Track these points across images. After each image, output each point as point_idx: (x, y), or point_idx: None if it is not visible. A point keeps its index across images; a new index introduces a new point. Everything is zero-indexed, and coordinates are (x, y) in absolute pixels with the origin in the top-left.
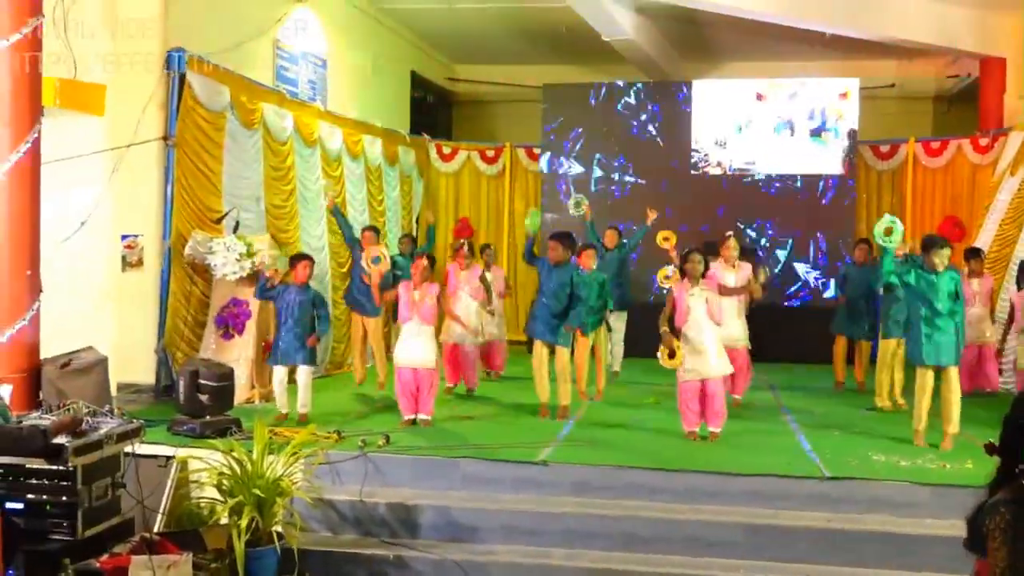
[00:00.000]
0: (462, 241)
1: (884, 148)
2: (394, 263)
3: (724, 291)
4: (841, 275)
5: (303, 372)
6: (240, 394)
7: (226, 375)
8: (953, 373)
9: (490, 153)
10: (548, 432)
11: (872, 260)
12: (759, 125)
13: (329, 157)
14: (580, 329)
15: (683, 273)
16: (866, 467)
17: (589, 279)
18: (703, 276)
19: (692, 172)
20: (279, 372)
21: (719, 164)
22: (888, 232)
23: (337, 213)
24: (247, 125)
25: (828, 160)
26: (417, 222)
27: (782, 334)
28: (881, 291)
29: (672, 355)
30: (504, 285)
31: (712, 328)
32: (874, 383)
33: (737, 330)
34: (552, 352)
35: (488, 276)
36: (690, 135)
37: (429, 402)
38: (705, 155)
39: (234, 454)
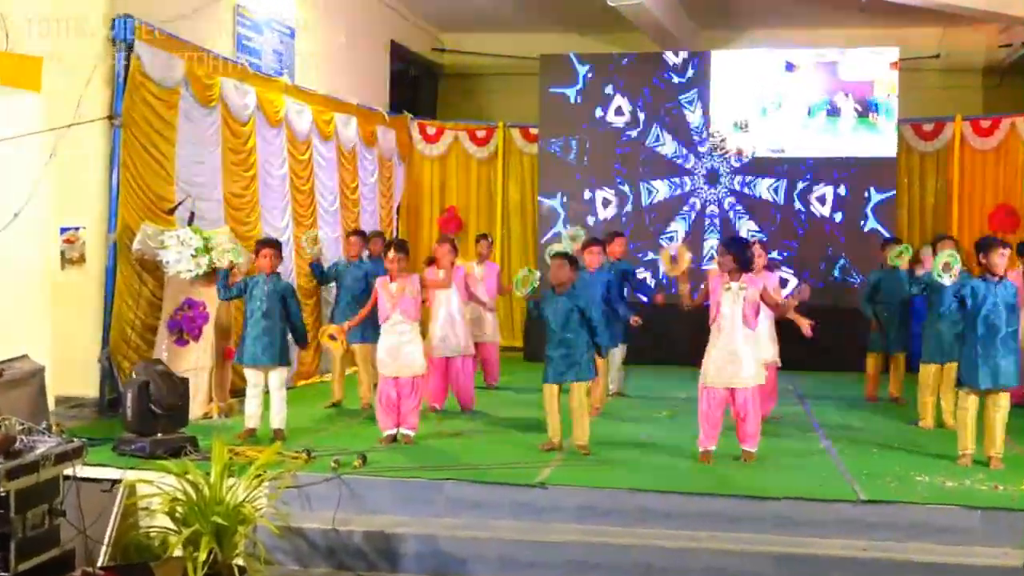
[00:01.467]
0: (447, 238)
1: (927, 127)
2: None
3: (766, 297)
4: (869, 282)
5: (275, 377)
6: (196, 409)
7: (180, 387)
8: (1005, 394)
9: (481, 133)
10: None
11: (910, 263)
12: (790, 104)
13: (296, 139)
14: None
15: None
16: (908, 489)
17: (596, 278)
18: (743, 272)
19: (711, 157)
20: (252, 376)
21: (739, 152)
22: (946, 267)
23: None
24: (204, 102)
25: (876, 145)
26: (397, 213)
27: (811, 341)
28: (925, 298)
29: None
30: (498, 283)
31: (746, 332)
32: (912, 394)
33: (767, 343)
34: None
35: (478, 272)
36: (708, 115)
37: (413, 415)
38: (722, 139)
39: (189, 477)
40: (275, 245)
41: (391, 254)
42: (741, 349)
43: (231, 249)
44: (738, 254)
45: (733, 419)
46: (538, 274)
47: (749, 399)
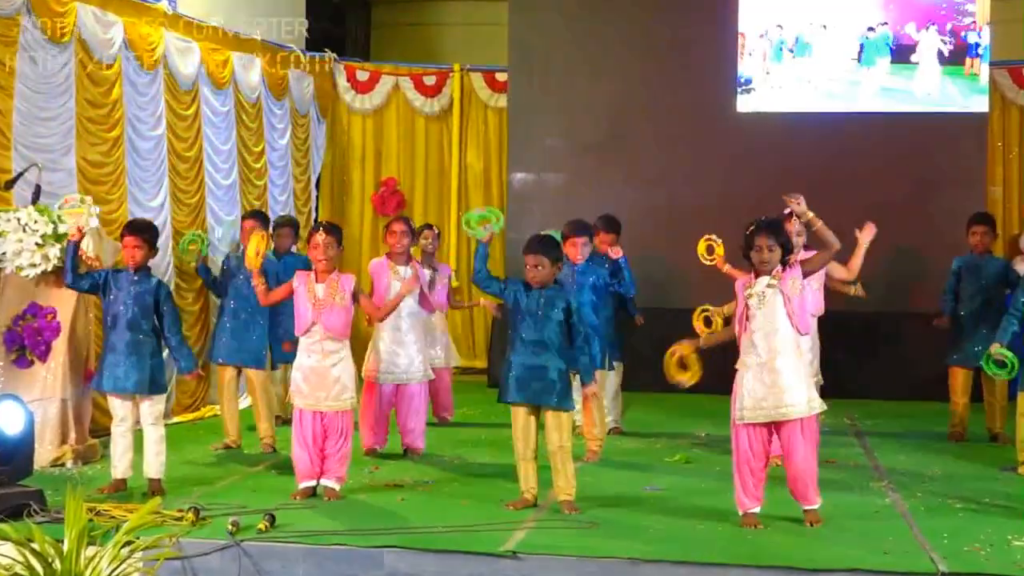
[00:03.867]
0: (398, 217)
1: None
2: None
3: (806, 266)
4: (952, 273)
5: (149, 409)
6: (44, 453)
7: (22, 424)
8: None
9: (429, 80)
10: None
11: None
12: (831, 41)
13: (178, 87)
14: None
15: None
16: (1003, 558)
17: (582, 276)
18: (784, 265)
19: (739, 110)
20: (119, 408)
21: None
22: None
23: None
24: (53, 37)
25: (959, 95)
26: (317, 187)
27: (873, 357)
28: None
29: (683, 365)
30: (450, 291)
31: (792, 342)
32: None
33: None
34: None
35: (426, 274)
36: (735, 54)
37: (341, 464)
38: (746, 90)
39: (34, 545)
40: (144, 231)
41: (320, 238)
42: (783, 368)
43: (76, 207)
44: (785, 242)
45: (775, 465)
46: (499, 213)
47: (799, 436)
